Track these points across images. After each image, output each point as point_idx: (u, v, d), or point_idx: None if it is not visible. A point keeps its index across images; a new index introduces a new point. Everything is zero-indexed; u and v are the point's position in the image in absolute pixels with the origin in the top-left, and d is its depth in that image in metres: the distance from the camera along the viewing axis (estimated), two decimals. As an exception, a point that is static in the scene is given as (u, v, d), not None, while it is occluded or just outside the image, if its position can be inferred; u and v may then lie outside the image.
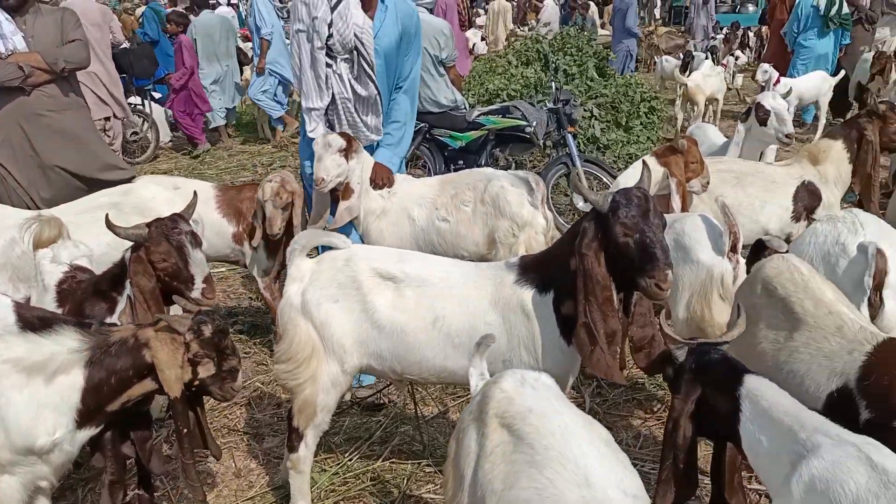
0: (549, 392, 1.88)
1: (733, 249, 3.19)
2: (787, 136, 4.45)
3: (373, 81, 3.45)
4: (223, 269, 5.49)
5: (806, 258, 2.89)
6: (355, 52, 3.43)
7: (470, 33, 15.10)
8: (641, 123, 7.84)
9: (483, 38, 15.67)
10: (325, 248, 2.88)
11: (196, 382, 2.27)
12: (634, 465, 3.19)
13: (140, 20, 11.85)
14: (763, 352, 2.40)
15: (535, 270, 2.53)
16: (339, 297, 2.61)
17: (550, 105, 6.34)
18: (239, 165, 8.91)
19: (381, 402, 3.66)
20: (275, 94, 9.54)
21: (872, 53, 9.48)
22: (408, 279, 2.60)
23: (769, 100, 4.51)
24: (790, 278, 2.42)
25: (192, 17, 10.17)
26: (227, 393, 2.34)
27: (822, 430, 1.79)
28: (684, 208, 3.79)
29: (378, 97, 3.51)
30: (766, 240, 2.74)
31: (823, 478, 1.67)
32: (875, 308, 2.59)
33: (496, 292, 2.55)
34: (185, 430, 2.31)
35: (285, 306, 2.65)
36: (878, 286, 2.59)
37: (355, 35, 3.39)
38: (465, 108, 6.61)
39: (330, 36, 3.38)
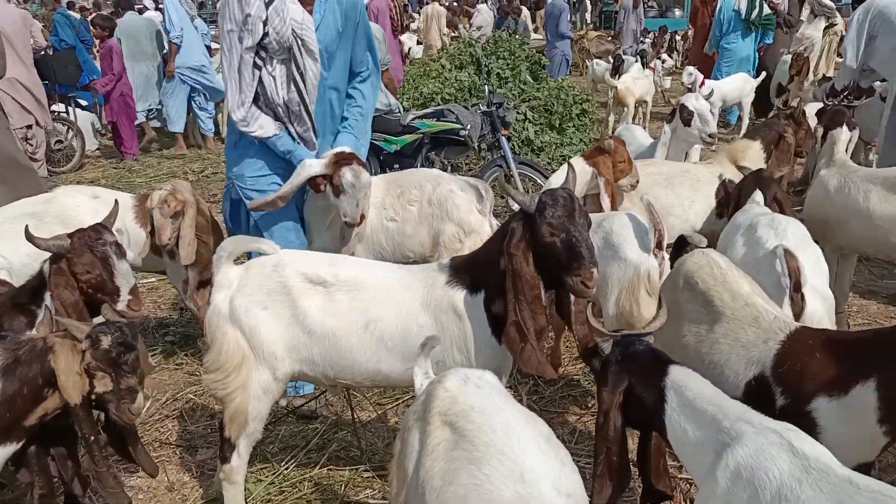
0: (493, 390, 1.90)
1: (658, 246, 3.28)
2: (710, 135, 4.60)
3: (297, 87, 3.30)
4: (153, 280, 5.36)
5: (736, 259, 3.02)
6: (294, 52, 3.24)
7: (405, 37, 15.10)
8: (574, 125, 7.98)
9: (419, 42, 15.70)
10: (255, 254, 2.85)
11: (94, 396, 2.21)
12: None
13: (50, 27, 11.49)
14: (686, 344, 2.47)
15: (466, 271, 2.56)
16: (268, 303, 2.58)
17: (484, 108, 6.39)
18: (169, 173, 8.71)
19: (318, 409, 3.63)
20: (194, 101, 9.47)
21: (791, 55, 9.87)
22: (339, 283, 2.59)
23: (692, 101, 4.65)
24: (710, 272, 2.50)
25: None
26: (123, 414, 2.26)
27: (744, 418, 1.84)
28: (614, 207, 3.88)
29: (302, 106, 3.34)
30: (687, 236, 2.82)
31: (748, 465, 1.71)
32: (798, 306, 2.69)
33: (428, 294, 2.56)
34: (92, 438, 2.25)
35: (213, 315, 2.60)
36: (797, 286, 2.70)
37: (293, 32, 3.20)
38: (399, 112, 6.62)
39: (266, 35, 3.19)
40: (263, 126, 3.35)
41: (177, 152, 9.68)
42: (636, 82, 10.02)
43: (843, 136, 4.36)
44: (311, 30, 3.27)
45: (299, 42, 3.25)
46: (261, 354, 2.59)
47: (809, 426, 1.98)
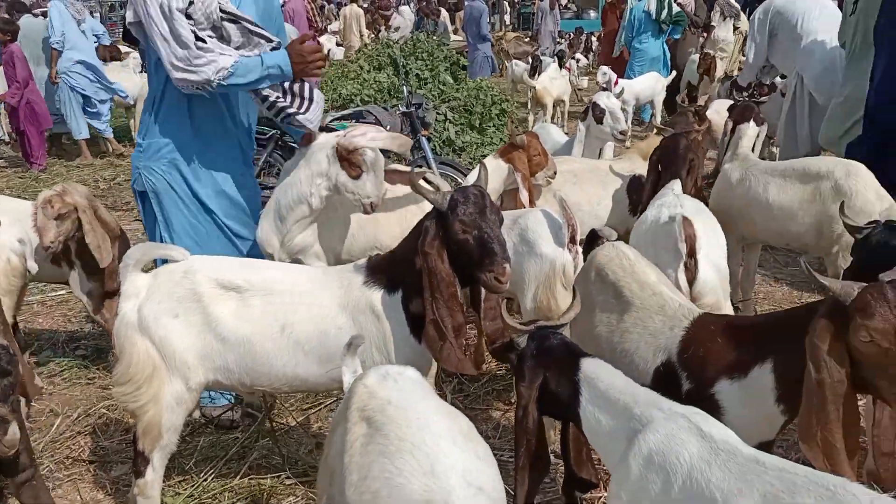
0: (412, 385, 1.90)
1: (572, 241, 3.36)
2: (621, 132, 4.73)
3: None
4: (62, 293, 5.14)
5: (641, 244, 3.12)
6: (222, 30, 3.03)
7: (324, 39, 14.99)
8: (494, 125, 8.07)
9: (339, 44, 15.58)
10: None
11: None
12: (494, 455, 3.29)
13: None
14: (599, 335, 2.54)
15: (383, 271, 2.56)
16: (178, 311, 2.51)
17: (403, 109, 6.39)
18: (79, 180, 8.37)
19: (237, 418, 3.55)
20: (87, 105, 9.19)
21: (699, 55, 10.26)
22: (252, 288, 2.55)
23: (603, 99, 4.78)
24: (619, 264, 2.57)
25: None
26: None
27: (654, 404, 1.89)
28: (531, 201, 3.94)
29: None
30: (598, 230, 2.90)
31: (659, 450, 1.76)
32: (691, 272, 2.80)
33: (345, 295, 2.54)
34: None
35: (121, 325, 2.52)
36: (691, 252, 2.81)
37: (220, 6, 2.99)
38: (317, 113, 6.54)
39: (191, 2, 2.92)
40: (217, 60, 2.94)
41: (83, 161, 9.33)
42: (553, 82, 10.22)
43: (751, 132, 4.53)
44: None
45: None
46: (172, 364, 2.51)
47: (713, 409, 2.06)
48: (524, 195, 3.93)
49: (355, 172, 3.14)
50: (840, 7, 6.13)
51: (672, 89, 10.13)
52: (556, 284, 3.28)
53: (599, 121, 4.75)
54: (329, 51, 14.64)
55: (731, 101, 5.65)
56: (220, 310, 2.51)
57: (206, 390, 2.83)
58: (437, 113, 7.38)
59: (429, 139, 6.43)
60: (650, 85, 9.75)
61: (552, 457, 2.59)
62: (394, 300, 2.49)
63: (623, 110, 5.04)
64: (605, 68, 9.64)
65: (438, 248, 2.36)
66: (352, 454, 1.77)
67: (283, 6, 7.85)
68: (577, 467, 2.30)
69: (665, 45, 10.56)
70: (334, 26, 16.78)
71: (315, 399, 3.74)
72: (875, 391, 1.86)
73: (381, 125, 6.06)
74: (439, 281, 2.35)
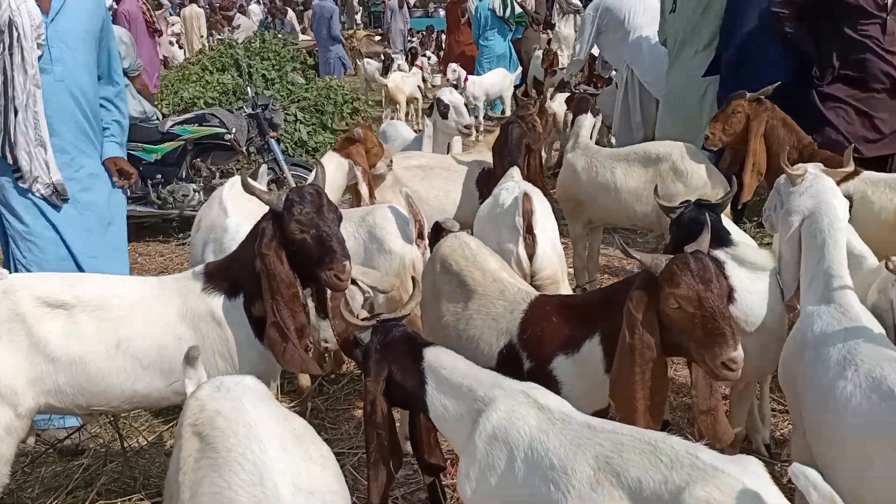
0: (246, 392, 1.84)
1: (420, 236, 3.41)
2: (465, 126, 4.85)
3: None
4: None
5: (484, 228, 3.22)
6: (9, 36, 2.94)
7: (165, 40, 14.35)
8: (347, 125, 8.05)
9: (180, 46, 14.95)
10: None
11: None
12: (354, 453, 3.28)
13: None
14: (447, 324, 2.59)
15: (222, 276, 2.49)
16: (0, 333, 2.33)
17: (249, 110, 6.24)
18: None
19: (82, 442, 3.34)
20: None
21: (542, 51, 10.68)
22: (81, 304, 2.40)
23: (447, 95, 4.88)
24: (462, 254, 2.64)
25: None
26: None
27: (496, 384, 1.98)
28: (371, 194, 3.97)
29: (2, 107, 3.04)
30: (441, 222, 2.96)
31: (502, 427, 1.85)
32: (531, 247, 2.93)
33: (183, 304, 2.46)
34: None
35: (-66, 353, 2.30)
36: (529, 227, 2.93)
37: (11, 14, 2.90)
38: (157, 119, 6.27)
39: None
40: None
41: None
42: (405, 80, 10.32)
43: (588, 122, 4.78)
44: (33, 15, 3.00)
45: (17, 28, 2.95)
46: (-3, 391, 2.33)
47: (552, 384, 2.17)
48: (364, 189, 3.96)
49: None
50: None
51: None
52: (406, 280, 3.32)
53: (444, 116, 4.84)
54: (170, 54, 14.06)
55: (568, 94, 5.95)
56: (47, 329, 2.35)
57: (40, 414, 2.65)
58: (287, 114, 7.26)
59: (279, 140, 6.31)
60: (498, 80, 10.04)
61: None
62: (235, 305, 2.43)
63: (474, 106, 5.17)
64: (454, 65, 9.84)
65: (276, 248, 2.32)
66: (185, 471, 1.70)
67: (115, 10, 7.45)
68: (428, 454, 2.35)
69: (510, 43, 10.91)
70: (176, 28, 16.07)
71: (168, 415, 3.59)
72: (686, 354, 2.02)
73: (227, 127, 5.91)
74: (279, 282, 2.32)
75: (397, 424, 2.77)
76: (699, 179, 4.11)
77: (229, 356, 2.44)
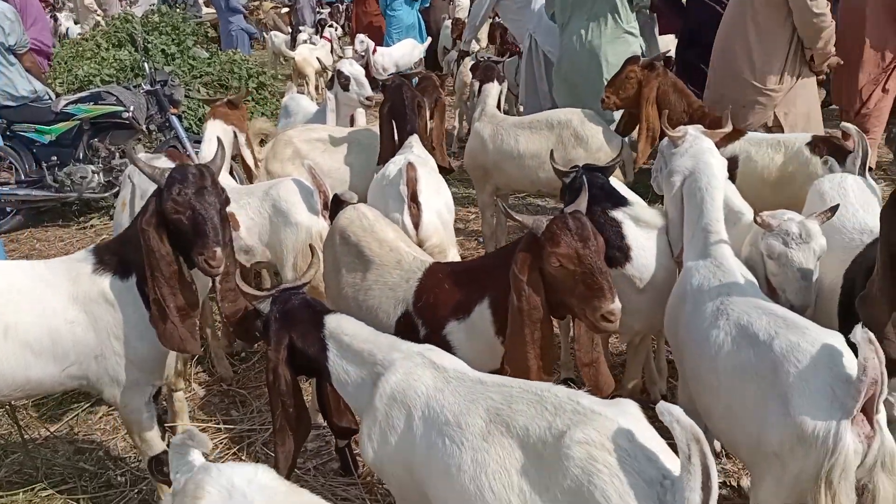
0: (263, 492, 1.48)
1: (325, 207, 3.41)
2: (367, 98, 4.82)
3: None
4: None
5: (374, 198, 3.25)
6: None
7: (62, 16, 13.64)
8: (253, 99, 7.85)
9: (76, 22, 14.22)
10: None
11: None
12: (265, 429, 3.27)
13: None
14: (347, 295, 2.62)
15: (113, 256, 2.44)
16: None
17: (148, 87, 6.02)
18: None
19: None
20: None
21: (451, 21, 10.67)
22: None
23: (347, 66, 4.83)
24: (359, 225, 2.66)
25: None
26: None
27: (394, 347, 2.03)
28: (255, 161, 4.01)
29: None
30: (339, 194, 2.96)
31: (400, 388, 1.91)
32: (415, 216, 2.98)
33: (74, 287, 2.40)
34: None
35: None
36: (414, 196, 2.99)
37: None
38: (49, 98, 5.99)
39: None
40: None
41: None
42: (313, 52, 10.12)
43: (494, 90, 4.84)
44: None
45: None
46: None
47: (447, 348, 2.23)
48: (249, 157, 3.94)
49: None
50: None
51: (432, 53, 10.47)
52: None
53: (346, 88, 4.80)
54: (67, 30, 13.36)
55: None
56: (-73, 320, 2.26)
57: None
58: (189, 89, 7.03)
59: (181, 118, 6.13)
60: (408, 52, 9.97)
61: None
62: (128, 285, 2.39)
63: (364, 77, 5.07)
64: (361, 36, 9.69)
65: (156, 225, 2.28)
66: None
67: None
68: (338, 417, 2.39)
69: (419, 13, 10.84)
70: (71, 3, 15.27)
71: (71, 403, 3.50)
72: (569, 310, 2.12)
73: (123, 105, 5.70)
74: (158, 259, 2.28)
75: (307, 397, 2.81)
76: (598, 143, 4.25)
77: (125, 337, 2.40)
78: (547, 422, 1.65)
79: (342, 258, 2.68)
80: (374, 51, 9.37)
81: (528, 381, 1.82)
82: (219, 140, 2.88)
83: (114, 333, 2.39)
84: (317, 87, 10.39)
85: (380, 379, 1.97)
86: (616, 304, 2.01)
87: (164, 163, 3.07)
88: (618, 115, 4.47)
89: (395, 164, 3.23)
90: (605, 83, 4.38)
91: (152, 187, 2.44)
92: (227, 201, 2.36)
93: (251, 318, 2.33)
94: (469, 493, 1.68)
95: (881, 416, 1.78)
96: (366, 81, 4.81)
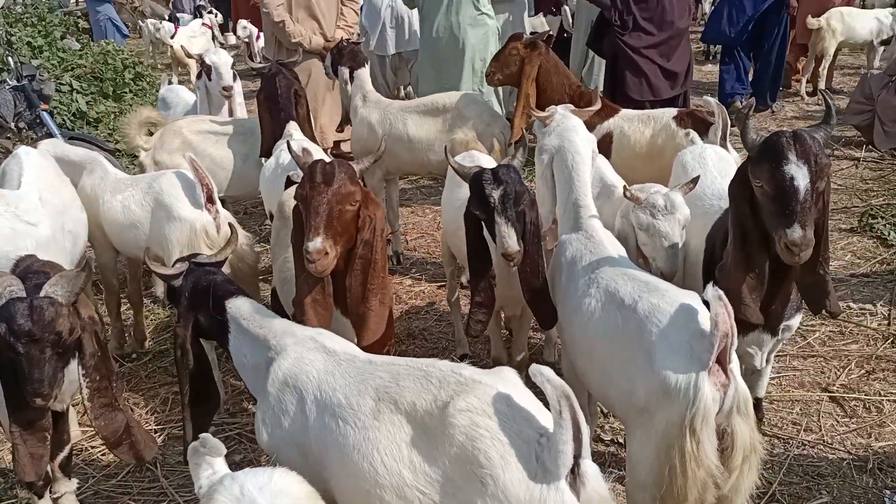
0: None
1: (210, 200, 3.37)
2: (224, 88, 4.69)
3: None
4: None
5: (269, 188, 3.25)
6: None
7: None
8: (131, 91, 7.57)
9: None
10: None
11: None
12: (162, 429, 3.23)
13: None
14: (287, 268, 2.64)
15: None
16: None
17: (14, 83, 5.69)
18: None
19: None
20: None
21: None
22: None
23: (210, 56, 4.69)
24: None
25: None
26: None
27: (288, 332, 2.08)
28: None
29: None
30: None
31: (292, 373, 1.97)
32: None
33: None
34: None
35: None
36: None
37: None
38: None
39: None
40: None
41: None
42: (193, 40, 9.78)
43: (366, 75, 4.80)
44: None
45: None
46: None
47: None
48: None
49: None
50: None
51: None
52: (199, 245, 3.27)
53: (209, 76, 4.70)
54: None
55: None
56: None
57: None
58: (60, 83, 6.70)
59: (51, 113, 5.83)
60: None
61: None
62: None
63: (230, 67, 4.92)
64: (244, 22, 9.46)
65: None
66: None
67: None
68: None
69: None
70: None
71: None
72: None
73: (-14, 104, 5.37)
74: None
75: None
76: (482, 124, 4.36)
77: None
78: (432, 395, 1.73)
79: (280, 231, 2.77)
80: (258, 37, 9.18)
81: (415, 359, 1.90)
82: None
83: None
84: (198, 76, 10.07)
85: (272, 363, 2.02)
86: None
87: None
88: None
89: (286, 152, 3.23)
90: (467, 64, 4.51)
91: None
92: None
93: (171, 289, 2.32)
94: (363, 470, 1.75)
95: (734, 365, 1.95)
96: (227, 71, 4.66)
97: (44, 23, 7.34)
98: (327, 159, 3.26)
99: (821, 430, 3.03)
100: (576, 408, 1.54)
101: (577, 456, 1.56)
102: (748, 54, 7.64)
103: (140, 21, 12.95)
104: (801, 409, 3.17)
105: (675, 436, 1.91)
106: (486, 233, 2.52)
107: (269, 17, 5.41)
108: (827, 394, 3.26)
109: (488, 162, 3.01)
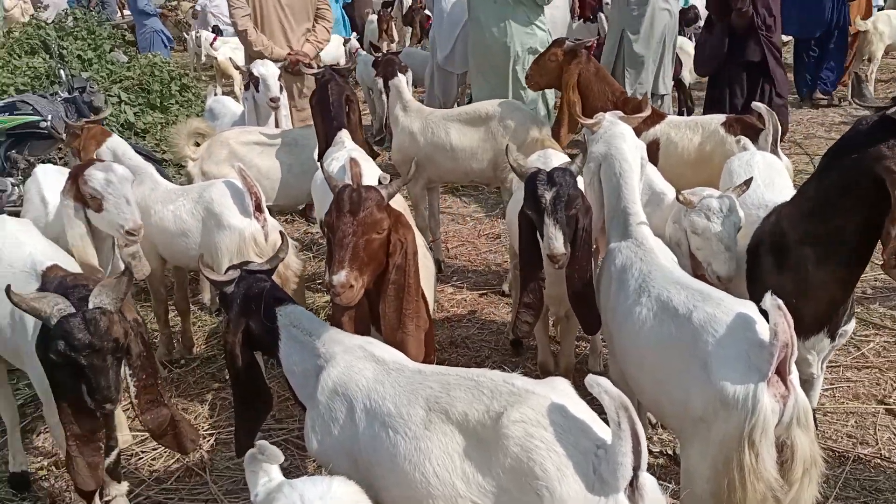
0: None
1: (258, 209, 3.41)
2: (271, 100, 4.73)
3: None
4: None
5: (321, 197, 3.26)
6: None
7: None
8: (177, 102, 7.70)
9: None
10: None
11: None
12: (210, 434, 3.25)
13: None
14: None
15: None
16: None
17: (65, 95, 5.84)
18: None
19: None
20: None
21: (376, 15, 10.67)
22: None
23: (258, 67, 4.73)
24: None
25: None
26: None
27: (337, 341, 2.08)
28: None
29: None
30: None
31: (341, 382, 1.97)
32: None
33: None
34: None
35: None
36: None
37: None
38: (-41, 110, 5.76)
39: None
40: None
41: None
42: (237, 52, 9.93)
43: (403, 84, 4.82)
44: None
45: None
46: None
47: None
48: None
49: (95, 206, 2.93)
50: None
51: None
52: (248, 253, 3.32)
53: (257, 88, 4.75)
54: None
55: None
56: None
57: None
58: (109, 95, 6.85)
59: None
60: (333, 48, 9.91)
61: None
62: None
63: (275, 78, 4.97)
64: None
65: None
66: None
67: None
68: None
69: (342, 8, 10.79)
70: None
71: None
72: None
73: (40, 115, 5.53)
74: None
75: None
76: (525, 132, 4.34)
77: None
78: (484, 405, 1.72)
79: None
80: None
81: (465, 369, 1.89)
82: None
83: None
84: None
85: (322, 372, 2.02)
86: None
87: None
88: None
89: (336, 161, 3.25)
90: (513, 73, 4.52)
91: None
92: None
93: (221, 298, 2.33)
94: (415, 480, 1.75)
95: (794, 376, 1.91)
96: (274, 83, 4.71)
97: (93, 36, 7.52)
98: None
99: (877, 444, 2.94)
100: (634, 419, 1.51)
101: (635, 468, 1.53)
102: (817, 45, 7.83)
103: (185, 33, 13.21)
104: (856, 422, 3.08)
105: (733, 448, 1.87)
106: (538, 234, 2.50)
107: (234, 26, 5.46)
108: (883, 406, 3.16)
109: (561, 161, 2.98)
